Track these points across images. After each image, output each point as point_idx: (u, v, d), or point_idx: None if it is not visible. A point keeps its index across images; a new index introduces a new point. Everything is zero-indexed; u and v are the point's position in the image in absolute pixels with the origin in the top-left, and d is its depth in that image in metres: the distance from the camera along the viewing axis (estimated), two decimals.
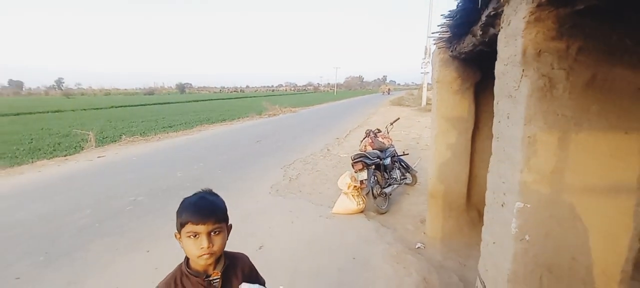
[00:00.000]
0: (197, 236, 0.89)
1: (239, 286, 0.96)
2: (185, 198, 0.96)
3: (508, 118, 1.24)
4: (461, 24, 1.99)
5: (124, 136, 10.38)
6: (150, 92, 75.81)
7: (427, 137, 8.88)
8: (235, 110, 21.93)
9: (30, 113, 22.95)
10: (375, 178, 4.15)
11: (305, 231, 3.50)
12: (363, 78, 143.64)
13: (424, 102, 21.12)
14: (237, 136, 10.67)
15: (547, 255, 1.16)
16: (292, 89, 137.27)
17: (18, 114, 22.11)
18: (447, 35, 2.49)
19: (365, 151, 4.38)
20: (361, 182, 3.93)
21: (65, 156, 7.98)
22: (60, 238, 3.44)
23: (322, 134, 10.55)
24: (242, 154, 7.54)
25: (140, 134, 11.07)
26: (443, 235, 3.24)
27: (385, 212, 3.99)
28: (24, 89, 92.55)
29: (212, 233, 0.90)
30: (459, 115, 3.09)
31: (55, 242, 3.35)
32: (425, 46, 19.43)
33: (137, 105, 30.71)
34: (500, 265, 1.27)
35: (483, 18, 1.59)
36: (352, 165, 4.02)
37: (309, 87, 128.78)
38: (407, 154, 5.27)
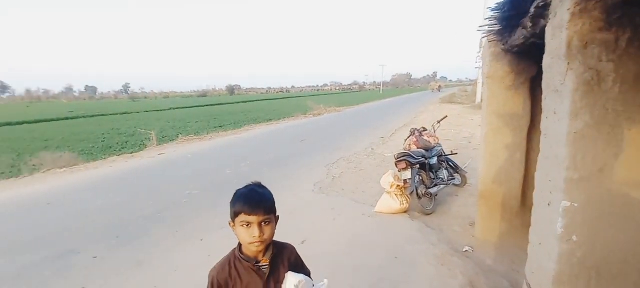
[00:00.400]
0: (250, 225, 0.99)
1: (286, 273, 1.07)
2: (238, 190, 1.07)
3: (555, 113, 1.21)
4: (510, 16, 1.93)
5: (180, 135, 11.41)
6: (204, 94, 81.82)
7: (480, 136, 8.40)
8: (281, 110, 22.73)
9: (102, 115, 26.25)
10: (420, 178, 4.09)
11: (347, 228, 3.59)
12: (411, 75, 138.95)
13: (478, 99, 19.85)
14: (283, 135, 11.11)
15: (596, 257, 1.11)
16: (337, 88, 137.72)
17: (93, 116, 25.42)
18: (496, 28, 2.40)
19: (409, 150, 4.33)
20: (405, 181, 3.91)
21: (131, 153, 9.05)
22: (129, 224, 3.97)
23: (367, 133, 10.52)
24: (287, 153, 7.86)
25: (195, 133, 12.08)
26: (494, 239, 3.10)
27: (430, 213, 3.92)
28: (97, 93, 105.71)
29: (262, 224, 1.00)
30: (513, 112, 2.93)
31: (125, 228, 3.87)
32: (480, 39, 18.25)
33: (192, 107, 33.36)
34: (546, 266, 1.24)
35: (532, 9, 1.54)
36: (396, 164, 4.01)
37: (354, 86, 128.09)
38: (456, 154, 5.07)
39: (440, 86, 56.75)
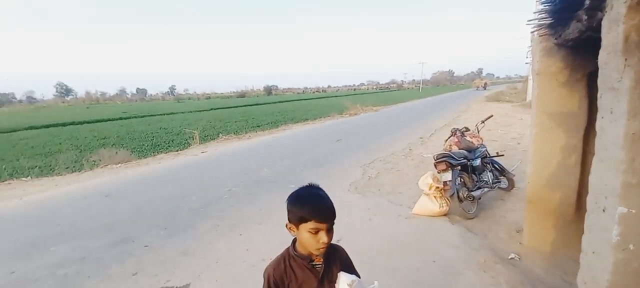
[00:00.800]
0: (318, 232, 1.01)
1: (338, 273, 1.10)
2: (300, 194, 1.09)
3: (611, 113, 1.13)
4: (563, 8, 1.82)
5: (221, 134, 12.02)
6: (242, 95, 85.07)
7: (529, 137, 7.85)
8: (317, 110, 22.98)
9: (151, 115, 28.40)
10: (462, 180, 3.95)
11: (383, 229, 3.59)
12: (453, 72, 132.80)
13: (529, 97, 18.52)
14: (319, 135, 11.25)
15: None
16: (374, 87, 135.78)
17: (143, 116, 27.59)
18: (548, 21, 2.26)
19: (450, 151, 4.19)
20: (444, 183, 3.80)
21: (177, 151, 9.72)
22: (176, 217, 4.30)
23: (405, 133, 10.30)
24: (323, 152, 7.97)
25: (234, 132, 12.65)
26: (544, 247, 2.92)
27: (472, 217, 3.77)
28: (147, 95, 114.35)
29: (329, 230, 1.04)
30: (567, 111, 2.74)
31: (173, 220, 4.20)
32: (531, 33, 16.97)
33: (231, 107, 34.86)
34: (600, 277, 1.17)
35: (587, 1, 1.45)
36: (435, 165, 3.92)
37: (391, 85, 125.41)
38: (503, 155, 4.81)
39: (485, 83, 53.63)
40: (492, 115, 5.66)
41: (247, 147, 9.72)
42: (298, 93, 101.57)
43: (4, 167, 8.84)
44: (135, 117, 26.93)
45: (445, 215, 3.81)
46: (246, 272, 2.91)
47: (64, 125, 22.49)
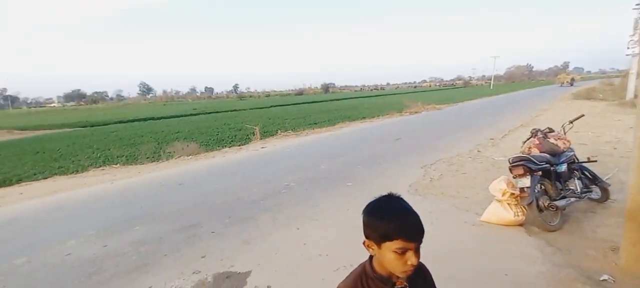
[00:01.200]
0: (406, 252, 0.86)
1: None
2: (384, 207, 0.92)
3: None
4: None
5: (279, 131, 12.54)
6: (300, 93, 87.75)
7: (632, 142, 6.68)
8: (375, 108, 22.63)
9: (217, 112, 30.81)
10: (543, 187, 3.54)
11: (446, 235, 3.39)
12: (532, 67, 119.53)
13: (629, 94, 15.86)
14: (376, 133, 11.07)
15: None
16: (437, 84, 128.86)
17: (210, 113, 30.07)
18: None
19: (529, 153, 3.78)
20: (521, 189, 3.44)
21: (239, 146, 10.40)
22: (238, 207, 4.60)
23: (472, 134, 9.59)
24: (381, 151, 7.82)
25: (292, 129, 13.08)
26: None
27: (555, 230, 3.36)
28: (213, 93, 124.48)
29: (417, 250, 0.88)
30: None
31: (235, 210, 4.50)
32: (635, 18, 14.49)
33: (289, 105, 36.15)
34: None
35: None
36: (510, 169, 3.57)
37: (457, 82, 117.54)
38: (595, 161, 4.19)
39: (573, 79, 47.18)
40: (583, 115, 4.96)
41: (304, 143, 9.98)
42: (355, 91, 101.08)
43: (98, 155, 10.39)
44: (203, 114, 29.49)
45: (520, 225, 3.45)
46: (303, 265, 2.99)
47: (144, 120, 25.59)
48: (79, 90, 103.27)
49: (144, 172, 7.36)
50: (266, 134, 12.31)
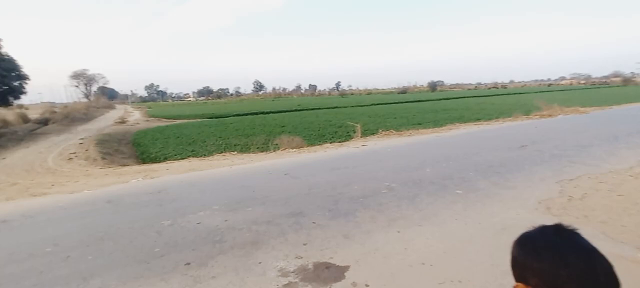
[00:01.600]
0: None
1: None
2: (556, 246, 0.67)
3: None
4: None
5: (380, 130, 12.44)
6: (403, 91, 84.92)
7: None
8: (493, 110, 20.27)
9: (319, 108, 32.50)
10: None
11: None
12: None
13: None
14: (495, 138, 9.91)
15: None
16: (582, 82, 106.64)
17: (313, 109, 31.93)
18: None
19: None
20: None
21: (340, 142, 10.74)
22: (339, 202, 4.77)
23: (634, 145, 7.65)
24: (500, 158, 6.97)
25: (394, 128, 12.81)
26: None
27: None
28: (316, 90, 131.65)
29: None
30: None
31: (336, 204, 4.69)
32: None
33: (392, 103, 35.48)
34: None
35: None
36: None
37: (612, 79, 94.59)
38: None
39: None
40: None
41: (407, 144, 9.66)
42: (469, 89, 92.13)
43: (220, 142, 12.25)
44: (306, 110, 31.54)
45: None
46: (404, 271, 2.92)
47: (256, 114, 28.85)
48: (208, 87, 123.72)
49: (255, 160, 8.33)
50: (367, 132, 12.38)
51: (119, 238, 3.87)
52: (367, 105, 33.91)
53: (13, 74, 21.78)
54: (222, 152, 10.11)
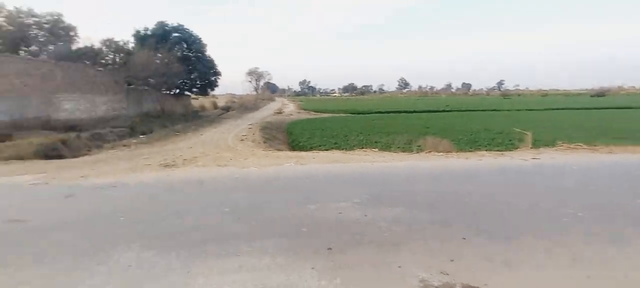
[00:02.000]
0: None
1: None
2: None
3: None
4: None
5: (559, 141, 10.12)
6: (600, 94, 66.01)
7: None
8: None
9: (472, 110, 29.34)
10: None
11: None
12: None
13: None
14: None
15: None
16: None
17: (464, 111, 29.08)
18: None
19: None
20: None
21: (500, 151, 9.31)
22: (499, 220, 4.08)
23: None
24: None
25: (584, 141, 10.16)
26: None
27: None
28: (471, 90, 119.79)
29: None
30: None
31: (494, 221, 4.02)
32: None
33: (579, 109, 28.74)
34: None
35: None
36: None
37: None
38: None
39: None
40: None
41: (605, 164, 7.50)
42: None
43: (361, 138, 12.58)
44: (457, 111, 29.03)
45: None
46: None
47: (399, 112, 28.45)
48: (352, 83, 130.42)
49: (397, 160, 8.13)
50: (539, 142, 10.30)
51: (274, 212, 4.44)
52: (539, 110, 28.49)
53: (211, 71, 28.55)
54: (363, 148, 10.35)
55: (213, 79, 29.23)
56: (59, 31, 21.63)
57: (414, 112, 28.87)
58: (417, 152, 9.39)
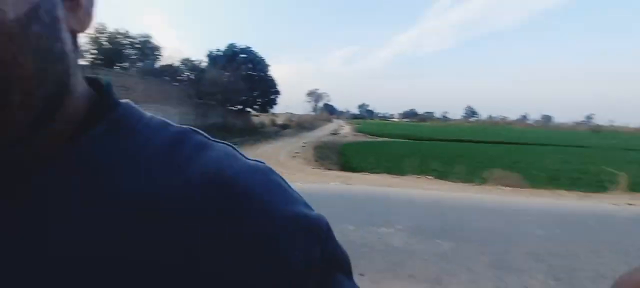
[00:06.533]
0: None
1: None
2: None
3: None
4: None
5: None
6: None
7: None
8: None
9: (553, 145, 26.38)
10: None
11: None
12: None
13: None
14: None
15: None
16: None
17: (543, 145, 26.26)
18: None
19: None
20: None
21: (585, 192, 8.07)
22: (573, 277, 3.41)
23: None
24: None
25: None
26: None
27: None
28: (551, 121, 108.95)
29: None
30: None
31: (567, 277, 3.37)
32: None
33: None
34: None
35: None
36: None
37: None
38: None
39: None
40: None
41: None
42: None
43: (417, 164, 11.90)
44: (533, 144, 26.34)
45: None
46: None
47: (463, 141, 26.73)
48: (413, 109, 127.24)
49: (454, 191, 7.46)
50: (638, 186, 8.74)
51: None
52: (638, 150, 24.58)
53: (272, 90, 30.19)
54: (417, 175, 9.77)
55: (273, 97, 30.81)
56: (147, 50, 24.80)
57: (481, 142, 26.89)
58: (480, 184, 8.56)
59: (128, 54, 24.09)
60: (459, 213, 5.42)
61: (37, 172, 0.25)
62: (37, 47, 0.22)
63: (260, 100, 30.13)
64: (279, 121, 39.45)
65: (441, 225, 4.66)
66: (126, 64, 23.74)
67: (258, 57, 29.23)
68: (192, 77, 25.55)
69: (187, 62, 26.72)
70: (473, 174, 9.85)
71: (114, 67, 22.07)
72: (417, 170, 10.55)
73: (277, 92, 31.01)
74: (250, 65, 28.48)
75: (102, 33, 22.35)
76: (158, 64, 24.98)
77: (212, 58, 27.57)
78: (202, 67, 26.50)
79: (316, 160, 12.66)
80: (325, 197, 5.97)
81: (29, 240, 0.24)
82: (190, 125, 0.32)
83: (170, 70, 24.84)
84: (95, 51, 22.05)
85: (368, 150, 16.63)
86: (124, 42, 23.80)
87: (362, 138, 27.11)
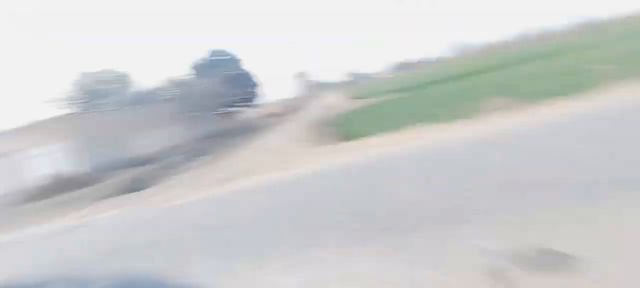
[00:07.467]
0: None
1: None
2: None
3: None
4: None
5: None
6: None
7: None
8: None
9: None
10: None
11: None
12: None
13: None
14: None
15: None
16: None
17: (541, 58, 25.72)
18: None
19: None
20: None
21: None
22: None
23: None
24: None
25: None
26: None
27: None
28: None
29: None
30: None
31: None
32: None
33: None
34: None
35: None
36: None
37: None
38: None
39: None
40: None
41: None
42: None
43: (414, 116, 11.95)
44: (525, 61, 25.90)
45: None
46: None
47: (457, 77, 26.28)
48: (403, 61, 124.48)
49: (456, 133, 7.65)
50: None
51: (336, 200, 4.79)
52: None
53: (249, 83, 30.92)
54: (413, 125, 9.92)
55: (252, 90, 31.40)
56: (127, 83, 25.45)
57: (475, 73, 26.46)
58: (473, 119, 8.72)
59: (112, 89, 24.63)
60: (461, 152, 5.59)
61: None
62: None
63: (241, 97, 30.61)
64: (268, 111, 39.34)
65: (449, 172, 4.84)
66: (110, 99, 24.08)
67: (229, 55, 29.65)
68: (177, 92, 25.82)
69: (171, 80, 27.05)
70: (469, 109, 9.92)
71: (99, 104, 22.48)
72: (414, 122, 10.63)
73: (255, 85, 31.47)
74: (224, 67, 28.84)
75: (86, 77, 23.33)
76: (142, 90, 25.57)
77: (197, 68, 28.28)
78: (187, 81, 27.00)
79: (315, 137, 12.81)
80: (331, 175, 6.19)
81: None
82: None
83: (154, 94, 25.27)
84: (82, 95, 22.90)
85: (364, 114, 16.65)
86: (107, 79, 24.49)
87: (353, 104, 26.96)
